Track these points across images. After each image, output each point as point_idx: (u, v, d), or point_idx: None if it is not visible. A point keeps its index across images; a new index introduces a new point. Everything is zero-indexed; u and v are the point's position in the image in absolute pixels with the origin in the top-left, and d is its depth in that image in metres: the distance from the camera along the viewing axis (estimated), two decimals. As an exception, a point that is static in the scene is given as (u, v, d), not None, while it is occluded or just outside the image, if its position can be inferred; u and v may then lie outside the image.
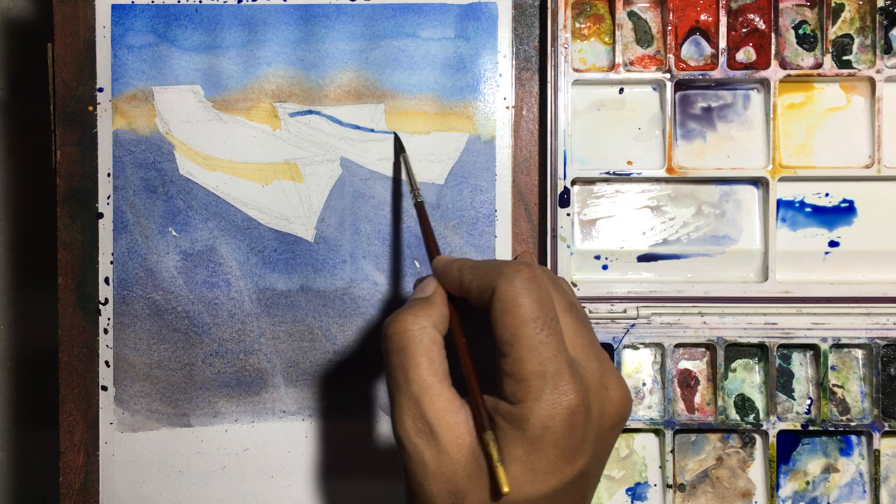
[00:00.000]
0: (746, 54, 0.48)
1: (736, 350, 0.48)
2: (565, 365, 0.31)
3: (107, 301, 0.48)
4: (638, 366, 0.48)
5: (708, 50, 0.48)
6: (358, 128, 0.48)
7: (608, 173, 0.47)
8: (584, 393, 0.32)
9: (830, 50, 0.48)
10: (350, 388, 0.48)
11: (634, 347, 0.48)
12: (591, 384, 0.33)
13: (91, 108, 0.48)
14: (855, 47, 0.48)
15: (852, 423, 0.47)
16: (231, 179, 0.48)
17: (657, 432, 0.48)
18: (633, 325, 0.47)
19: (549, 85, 0.47)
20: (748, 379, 0.48)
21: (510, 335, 0.32)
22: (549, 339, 0.32)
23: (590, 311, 0.47)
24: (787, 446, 0.48)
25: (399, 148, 0.47)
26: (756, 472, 0.48)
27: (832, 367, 0.48)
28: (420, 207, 0.42)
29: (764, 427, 0.47)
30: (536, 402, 0.31)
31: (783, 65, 0.48)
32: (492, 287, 0.33)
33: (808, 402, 0.48)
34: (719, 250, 0.49)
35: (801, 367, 0.49)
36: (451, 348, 0.34)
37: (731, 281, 0.48)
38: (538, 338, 0.31)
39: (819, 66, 0.48)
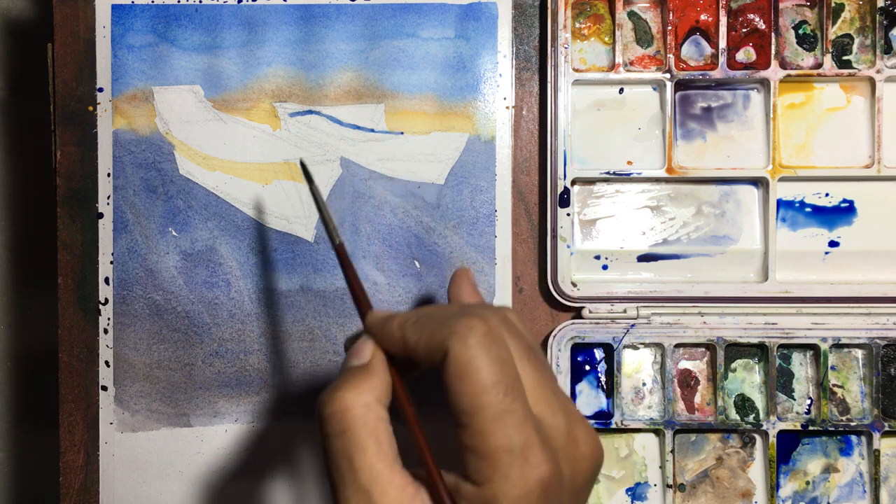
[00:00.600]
0: (746, 54, 0.48)
1: (736, 350, 0.48)
2: (533, 433, 0.28)
3: (107, 301, 0.48)
4: (638, 366, 0.48)
5: (708, 50, 0.48)
6: (358, 128, 0.48)
7: (608, 173, 0.47)
8: (554, 461, 0.29)
9: (830, 50, 0.48)
10: (350, 388, 0.48)
11: (634, 347, 0.48)
12: (560, 445, 0.30)
13: (91, 108, 0.48)
14: (855, 47, 0.48)
15: (852, 423, 0.47)
16: (231, 179, 0.48)
17: (657, 432, 0.48)
18: (633, 325, 0.47)
19: (549, 85, 0.47)
20: (748, 379, 0.48)
21: (469, 404, 0.28)
22: (513, 405, 0.28)
23: (590, 311, 0.47)
24: (787, 446, 0.48)
25: (308, 178, 0.38)
26: (756, 472, 0.48)
27: (832, 367, 0.48)
28: (341, 251, 0.36)
29: (764, 427, 0.47)
30: (505, 481, 0.28)
31: (783, 65, 0.48)
32: (443, 348, 0.29)
33: (808, 402, 0.48)
34: (719, 250, 0.49)
35: (801, 367, 0.49)
36: (394, 412, 0.31)
37: (731, 281, 0.48)
38: (501, 406, 0.28)
39: (819, 66, 0.48)
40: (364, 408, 0.30)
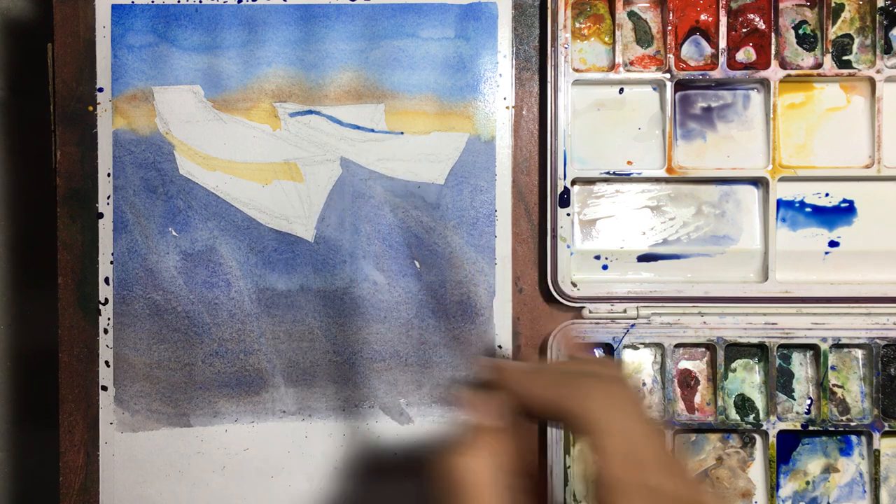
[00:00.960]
0: (746, 54, 0.48)
1: (736, 350, 0.48)
2: None
3: (107, 301, 0.48)
4: (638, 366, 0.48)
5: (708, 50, 0.48)
6: (358, 128, 0.48)
7: (608, 173, 0.47)
8: None
9: (830, 50, 0.48)
10: (350, 388, 0.48)
11: (634, 347, 0.48)
12: None
13: (91, 108, 0.48)
14: (855, 47, 0.48)
15: (852, 423, 0.47)
16: (231, 179, 0.48)
17: (657, 432, 0.48)
18: (633, 325, 0.47)
19: (549, 85, 0.47)
20: (748, 379, 0.48)
21: (602, 475, 0.28)
22: (658, 480, 0.28)
23: (590, 311, 0.47)
24: (787, 446, 0.48)
25: None
26: (756, 472, 0.48)
27: (832, 367, 0.48)
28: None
29: (764, 427, 0.47)
30: None
31: (783, 65, 0.48)
32: (575, 412, 0.29)
33: (808, 402, 0.48)
34: (719, 250, 0.48)
35: (801, 367, 0.49)
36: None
37: (731, 281, 0.48)
38: (646, 481, 0.28)
39: (819, 66, 0.48)
40: (481, 471, 0.29)
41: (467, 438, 0.29)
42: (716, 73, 0.47)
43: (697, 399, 0.49)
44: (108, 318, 0.48)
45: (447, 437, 0.30)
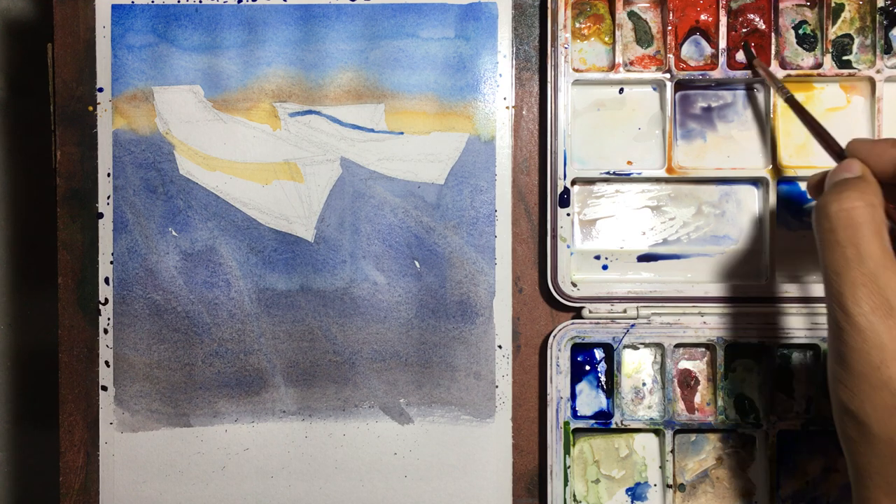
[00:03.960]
0: (746, 54, 0.48)
1: (736, 350, 0.48)
2: None
3: (107, 301, 0.48)
4: (638, 366, 0.48)
5: (708, 50, 0.48)
6: (358, 128, 0.48)
7: (608, 173, 0.47)
8: None
9: (830, 50, 0.48)
10: (350, 388, 0.48)
11: (634, 347, 0.48)
12: None
13: (91, 108, 0.48)
14: (855, 47, 0.48)
15: (852, 423, 0.47)
16: (231, 179, 0.48)
17: (657, 432, 0.48)
18: (633, 325, 0.47)
19: (549, 85, 0.47)
20: (748, 379, 0.48)
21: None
22: None
23: (590, 311, 0.47)
24: (787, 446, 0.48)
25: (750, 55, 0.47)
26: (756, 472, 0.48)
27: (832, 367, 0.48)
28: (793, 102, 0.43)
29: (764, 427, 0.47)
30: None
31: (783, 65, 0.48)
32: None
33: (809, 402, 0.48)
34: (719, 250, 0.49)
35: (801, 367, 0.49)
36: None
37: (731, 281, 0.48)
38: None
39: (819, 66, 0.48)
40: (870, 207, 0.32)
41: (846, 184, 0.33)
42: (716, 73, 0.47)
43: (697, 399, 0.49)
44: (108, 318, 0.48)
45: (834, 184, 0.34)
